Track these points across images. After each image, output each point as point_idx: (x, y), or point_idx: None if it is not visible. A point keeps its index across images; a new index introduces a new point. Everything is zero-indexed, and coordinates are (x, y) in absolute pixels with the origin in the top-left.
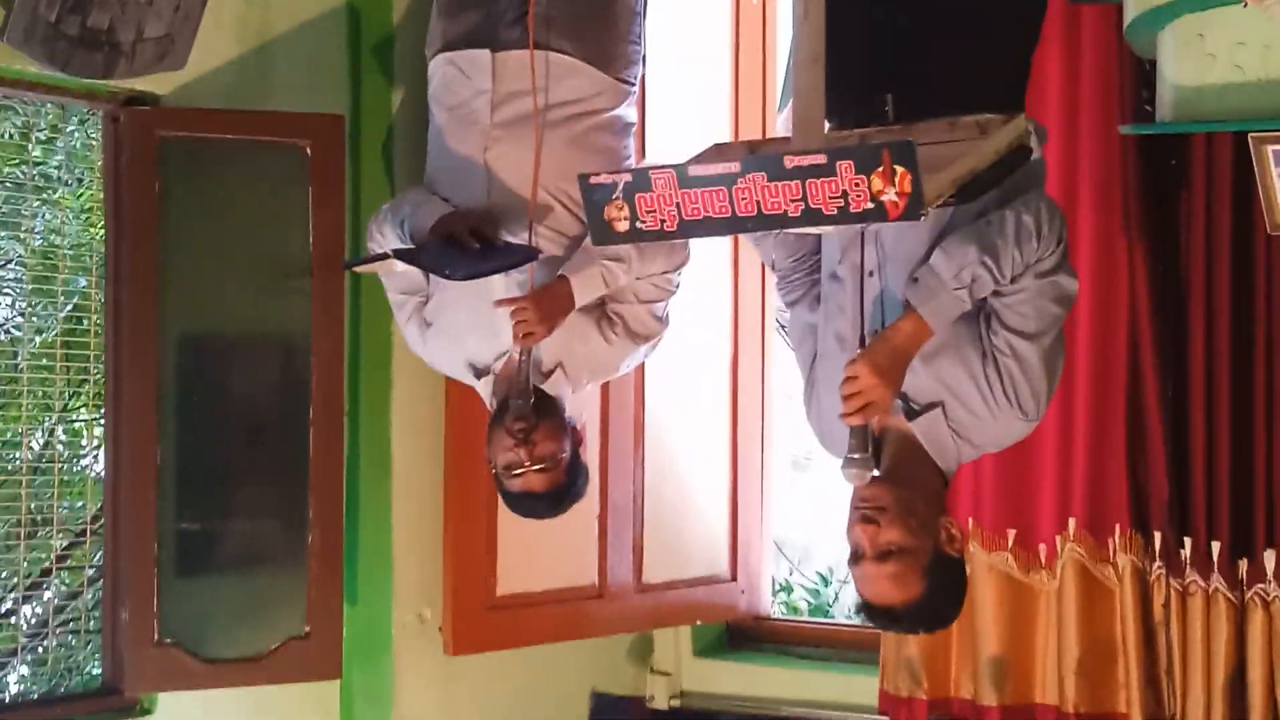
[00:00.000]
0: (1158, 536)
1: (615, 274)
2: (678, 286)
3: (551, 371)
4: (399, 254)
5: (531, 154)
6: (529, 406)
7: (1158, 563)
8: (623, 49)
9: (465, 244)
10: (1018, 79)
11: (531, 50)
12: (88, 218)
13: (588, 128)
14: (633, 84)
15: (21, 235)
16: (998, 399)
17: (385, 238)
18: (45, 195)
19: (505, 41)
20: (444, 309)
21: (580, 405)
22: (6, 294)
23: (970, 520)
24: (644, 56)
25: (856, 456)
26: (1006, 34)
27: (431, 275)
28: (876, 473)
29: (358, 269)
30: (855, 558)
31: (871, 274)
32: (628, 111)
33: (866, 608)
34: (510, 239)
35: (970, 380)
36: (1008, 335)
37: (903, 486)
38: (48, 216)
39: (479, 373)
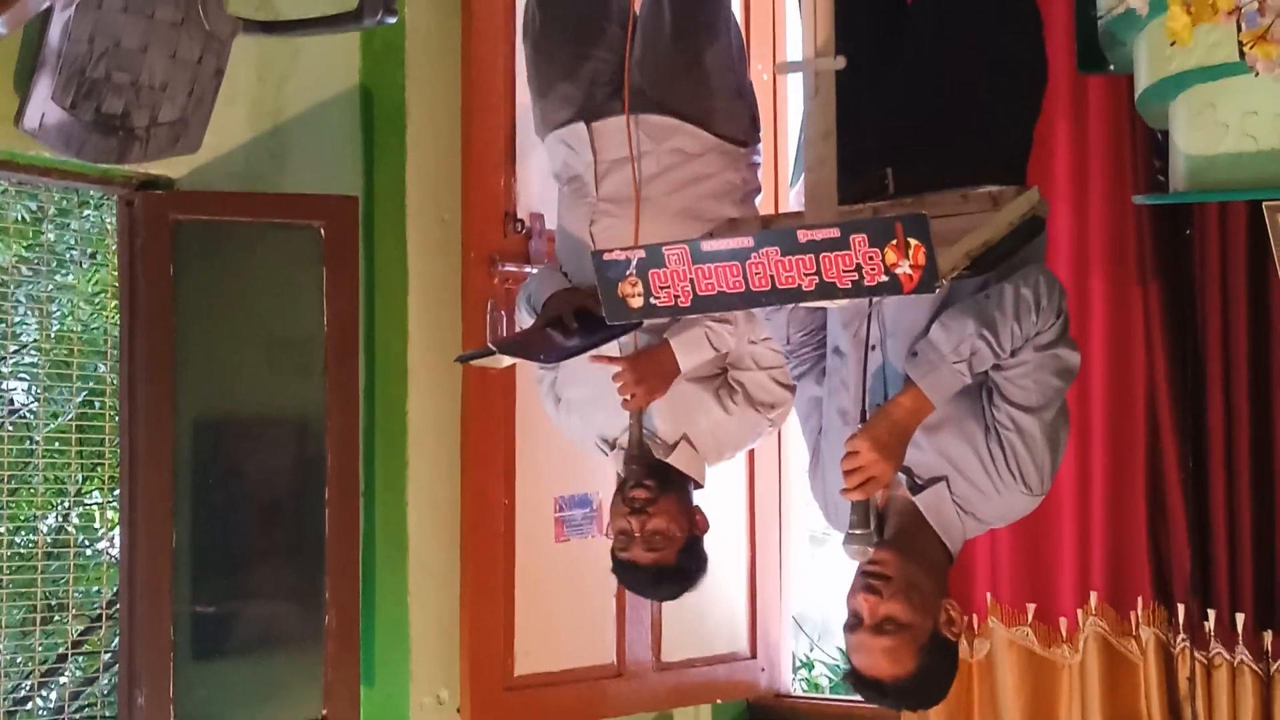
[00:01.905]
0: (1181, 609)
1: (721, 335)
2: None
3: (676, 444)
4: (500, 346)
5: (639, 225)
6: (645, 473)
7: (1181, 635)
8: (723, 104)
9: (567, 324)
10: (1019, 151)
11: (627, 114)
12: (101, 301)
13: (700, 195)
14: (744, 142)
15: (37, 319)
16: (1001, 473)
17: (521, 314)
18: (58, 278)
19: (602, 110)
20: (569, 384)
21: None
22: (22, 378)
23: (989, 595)
24: (755, 115)
25: (858, 532)
26: (1007, 108)
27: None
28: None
29: (469, 363)
30: (852, 625)
31: (874, 348)
32: (746, 175)
33: (855, 676)
34: None
35: (973, 454)
36: (1009, 409)
37: (909, 558)
38: (62, 301)
39: (610, 445)
